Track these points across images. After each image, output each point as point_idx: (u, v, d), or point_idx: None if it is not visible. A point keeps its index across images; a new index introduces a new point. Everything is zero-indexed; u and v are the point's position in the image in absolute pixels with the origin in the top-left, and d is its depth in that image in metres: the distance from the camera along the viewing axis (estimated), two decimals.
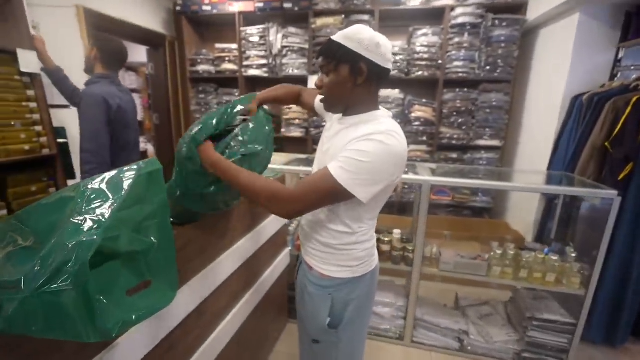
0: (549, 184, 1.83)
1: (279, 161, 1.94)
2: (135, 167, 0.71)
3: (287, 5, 2.78)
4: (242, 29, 2.93)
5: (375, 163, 0.76)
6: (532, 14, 2.45)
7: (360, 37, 0.79)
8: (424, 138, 2.83)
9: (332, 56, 0.81)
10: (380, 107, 0.91)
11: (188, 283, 1.02)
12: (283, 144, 3.33)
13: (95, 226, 0.55)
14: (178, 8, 3.00)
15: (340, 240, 0.92)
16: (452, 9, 2.56)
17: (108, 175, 0.68)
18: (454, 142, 2.76)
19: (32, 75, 1.71)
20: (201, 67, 3.14)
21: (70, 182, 1.92)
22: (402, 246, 1.79)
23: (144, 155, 4.98)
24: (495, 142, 2.71)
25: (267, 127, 1.01)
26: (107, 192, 0.63)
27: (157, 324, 0.89)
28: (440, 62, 2.65)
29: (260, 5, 2.83)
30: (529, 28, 2.59)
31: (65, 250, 0.51)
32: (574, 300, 1.63)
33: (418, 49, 2.67)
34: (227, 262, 1.25)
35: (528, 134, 2.66)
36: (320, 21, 2.76)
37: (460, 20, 2.54)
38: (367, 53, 0.79)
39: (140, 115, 4.81)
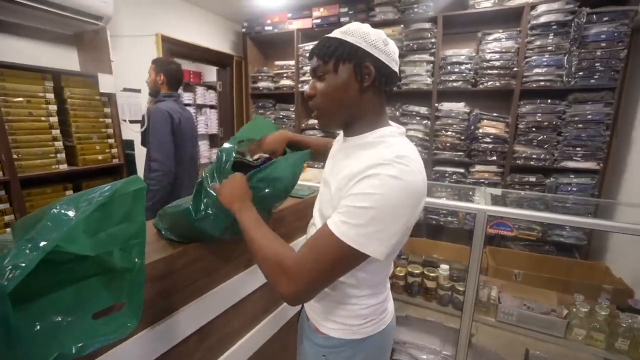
0: None
1: (317, 178, 1.85)
2: (117, 185, 0.70)
3: (344, 20, 2.74)
4: (299, 45, 2.98)
5: (386, 207, 0.56)
6: None
7: (365, 30, 0.65)
8: (494, 157, 2.44)
9: (330, 54, 0.65)
10: (392, 122, 0.73)
11: (190, 303, 0.98)
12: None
13: (38, 249, 0.53)
14: (243, 30, 3.21)
15: (338, 290, 0.74)
16: (533, 7, 2.19)
17: (87, 192, 0.67)
18: (532, 162, 2.31)
19: (109, 95, 1.97)
20: (261, 84, 3.29)
21: None
22: (451, 285, 1.51)
23: None
24: (590, 165, 2.18)
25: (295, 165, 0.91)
26: (76, 211, 0.61)
27: (146, 343, 0.86)
28: (516, 69, 2.27)
29: (318, 21, 2.85)
30: None
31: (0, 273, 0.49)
32: None
33: (488, 56, 2.34)
34: (242, 283, 1.19)
35: None
36: None
37: (543, 19, 2.15)
38: (373, 50, 0.64)
39: (216, 129, 5.30)
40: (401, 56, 2.63)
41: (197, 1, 2.86)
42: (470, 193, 1.88)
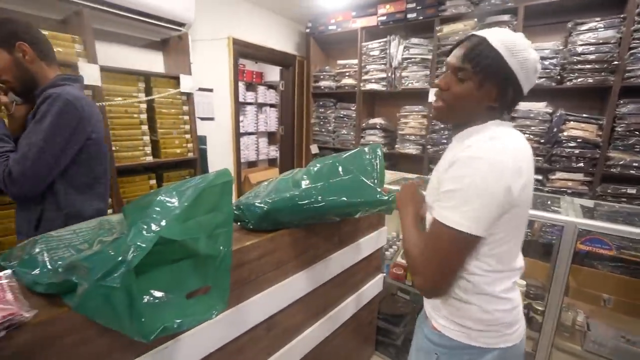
0: None
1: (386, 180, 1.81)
2: (210, 177, 0.75)
3: (411, 16, 2.63)
4: (363, 44, 2.95)
5: (472, 185, 0.61)
6: None
7: (525, 56, 0.65)
8: (581, 164, 2.15)
9: (484, 68, 0.66)
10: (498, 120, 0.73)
11: (260, 294, 1.03)
12: (397, 161, 3.16)
13: (154, 230, 0.59)
14: (307, 30, 3.28)
15: (455, 286, 0.72)
16: None
17: (185, 182, 0.73)
18: (632, 171, 1.99)
19: (188, 95, 2.15)
20: (323, 83, 3.33)
21: None
22: (527, 302, 1.37)
23: (273, 162, 5.66)
24: None
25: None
26: (178, 199, 0.67)
27: (223, 326, 0.92)
28: (616, 63, 1.97)
29: (383, 18, 2.78)
30: None
31: (125, 250, 0.56)
32: None
33: (580, 49, 2.07)
34: (306, 279, 1.21)
35: None
36: (447, 28, 2.50)
37: None
38: (524, 79, 0.66)
39: (275, 127, 5.51)
40: None
41: (265, 4, 2.99)
42: (549, 202, 1.69)
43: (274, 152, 5.61)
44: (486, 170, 0.61)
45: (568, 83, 2.14)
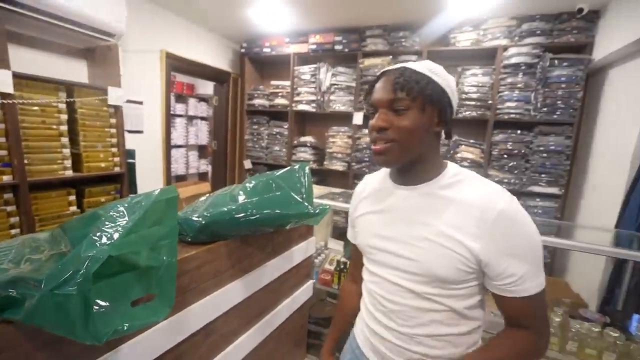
0: (617, 246, 1.57)
1: (315, 194, 1.99)
2: (155, 193, 0.83)
3: (338, 47, 2.97)
4: (295, 68, 3.19)
5: (538, 240, 0.64)
6: (599, 53, 2.25)
7: (446, 75, 0.68)
8: None
9: (420, 90, 0.64)
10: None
11: (199, 302, 1.10)
12: (325, 177, 3.42)
13: (106, 243, 0.66)
14: (242, 50, 3.40)
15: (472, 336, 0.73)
16: (505, 49, 2.48)
17: (130, 199, 0.80)
18: (503, 186, 2.54)
19: (116, 107, 2.08)
20: (257, 101, 3.46)
21: None
22: None
23: (203, 176, 5.49)
24: (553, 190, 2.44)
25: None
26: (126, 214, 0.75)
27: (163, 334, 0.97)
28: (490, 102, 2.55)
29: (313, 47, 3.07)
30: (595, 68, 2.37)
31: (80, 261, 0.62)
32: None
33: (466, 88, 2.61)
34: (242, 286, 1.30)
35: (594, 183, 2.36)
36: (368, 61, 2.89)
37: (514, 60, 2.44)
38: (452, 96, 0.68)
39: (206, 140, 5.39)
40: None
41: (201, 22, 3.03)
42: None
43: (204, 165, 5.47)
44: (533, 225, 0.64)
45: (459, 115, 2.66)
